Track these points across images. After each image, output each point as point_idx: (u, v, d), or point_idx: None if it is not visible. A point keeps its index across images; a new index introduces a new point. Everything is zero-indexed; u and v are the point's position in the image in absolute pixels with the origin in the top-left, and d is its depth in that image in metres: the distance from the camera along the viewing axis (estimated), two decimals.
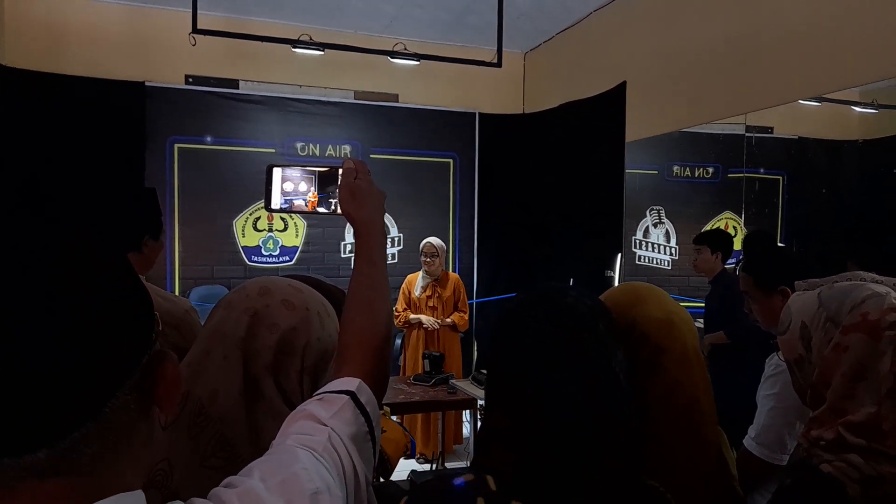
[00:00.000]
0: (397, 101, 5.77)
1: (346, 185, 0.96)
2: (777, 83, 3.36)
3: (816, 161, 3.61)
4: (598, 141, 4.90)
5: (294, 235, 5.42)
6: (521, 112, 6.15)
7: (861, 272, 0.99)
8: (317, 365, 0.96)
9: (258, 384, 0.91)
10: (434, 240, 4.61)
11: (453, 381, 3.90)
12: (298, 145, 5.40)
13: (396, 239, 5.63)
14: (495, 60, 4.60)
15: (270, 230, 5.35)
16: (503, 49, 4.60)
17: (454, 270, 5.71)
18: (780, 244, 3.56)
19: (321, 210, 1.04)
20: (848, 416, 0.85)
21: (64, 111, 4.64)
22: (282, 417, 0.80)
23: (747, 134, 3.69)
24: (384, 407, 0.91)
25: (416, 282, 4.64)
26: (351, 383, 0.80)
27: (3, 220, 0.50)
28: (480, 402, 3.60)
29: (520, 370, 0.82)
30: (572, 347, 0.80)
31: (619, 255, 4.68)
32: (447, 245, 5.58)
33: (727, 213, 4.06)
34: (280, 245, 5.38)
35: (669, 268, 4.55)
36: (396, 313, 4.59)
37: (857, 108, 3.21)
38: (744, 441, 1.70)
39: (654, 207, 4.62)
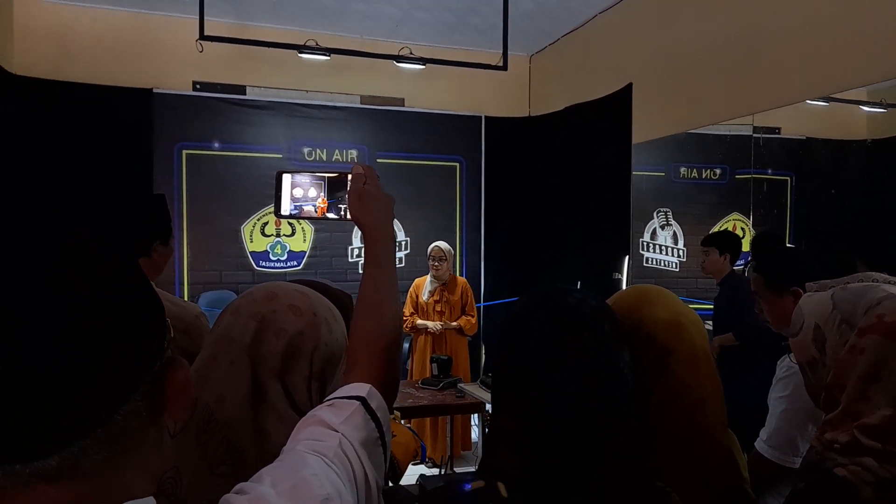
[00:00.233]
0: (403, 106, 5.78)
1: (355, 190, 0.96)
2: (784, 83, 3.34)
3: (824, 161, 3.59)
4: (604, 143, 4.89)
5: (302, 240, 5.44)
6: (527, 115, 6.15)
7: (873, 273, 0.99)
8: (324, 369, 0.96)
9: (265, 389, 0.91)
10: (442, 244, 4.61)
11: (461, 384, 3.89)
12: (305, 150, 5.42)
13: (403, 243, 5.63)
14: (501, 63, 4.60)
15: (278, 235, 5.36)
16: (508, 52, 4.60)
17: (461, 274, 5.70)
18: (789, 245, 3.54)
19: (331, 216, 1.05)
20: (863, 418, 0.84)
21: (73, 118, 4.68)
22: (289, 423, 0.80)
23: (754, 135, 3.68)
24: (394, 411, 0.91)
25: (424, 286, 4.64)
26: (361, 388, 0.80)
27: (17, 226, 0.50)
28: (488, 406, 3.59)
29: (523, 372, 0.82)
30: (574, 348, 0.80)
31: (627, 258, 4.67)
32: (454, 248, 5.58)
33: (735, 215, 4.04)
34: (288, 250, 5.40)
35: (677, 270, 4.53)
36: (404, 318, 4.59)
37: (866, 108, 3.19)
38: (755, 443, 1.68)
39: (662, 209, 4.60)
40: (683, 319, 0.96)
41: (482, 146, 5.93)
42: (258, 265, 5.30)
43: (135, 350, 0.50)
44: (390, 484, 1.58)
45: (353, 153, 5.53)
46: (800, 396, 1.45)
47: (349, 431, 0.74)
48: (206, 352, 0.94)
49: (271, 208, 1.09)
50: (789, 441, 1.63)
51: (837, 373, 0.90)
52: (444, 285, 4.59)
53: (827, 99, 3.21)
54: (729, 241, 3.55)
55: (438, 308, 4.57)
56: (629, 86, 4.59)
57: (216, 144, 5.17)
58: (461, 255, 5.87)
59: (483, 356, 5.72)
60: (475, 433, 4.76)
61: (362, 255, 1.00)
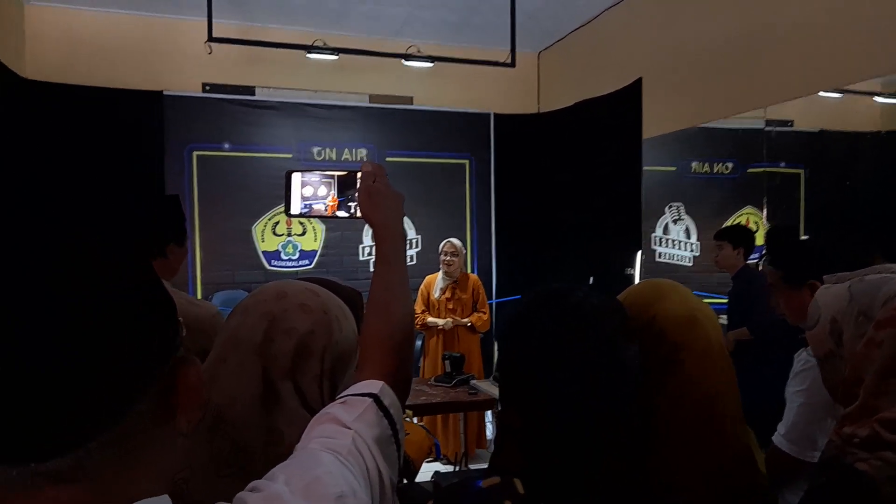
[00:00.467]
0: (412, 104, 5.78)
1: (365, 188, 0.96)
2: (796, 75, 3.31)
3: (838, 154, 3.55)
4: (614, 139, 4.86)
5: (313, 239, 5.45)
6: (535, 112, 6.13)
7: (891, 265, 0.97)
8: (335, 368, 0.95)
9: (276, 389, 0.91)
10: (454, 240, 4.62)
11: (474, 381, 3.89)
12: (315, 150, 5.43)
13: (414, 241, 5.64)
14: (509, 61, 4.59)
15: (289, 234, 5.38)
16: (517, 49, 4.58)
17: (472, 271, 5.70)
18: (804, 237, 3.50)
19: (341, 214, 1.05)
20: (882, 412, 0.83)
21: (84, 121, 4.72)
22: (300, 422, 0.80)
23: (767, 128, 3.64)
24: (407, 410, 0.91)
25: (435, 283, 4.64)
26: (374, 386, 0.80)
27: (27, 228, 0.50)
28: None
29: (527, 371, 0.81)
30: (576, 347, 0.79)
31: (639, 253, 4.64)
32: (465, 246, 5.58)
33: (748, 209, 4.00)
34: (299, 249, 5.41)
35: (690, 265, 4.50)
36: (416, 315, 4.59)
37: (880, 99, 3.15)
38: (773, 438, 1.67)
39: (673, 204, 4.57)
40: (698, 314, 0.95)
41: (491, 144, 5.92)
42: (270, 265, 5.32)
43: (144, 350, 0.49)
44: (404, 482, 1.58)
45: (363, 152, 5.54)
46: (817, 390, 1.43)
47: (362, 429, 0.74)
48: (216, 352, 0.94)
49: (282, 208, 1.09)
50: (807, 435, 1.61)
51: (855, 366, 0.89)
52: (456, 283, 4.59)
53: (840, 90, 3.17)
54: (742, 235, 3.53)
55: (450, 305, 4.56)
56: (638, 81, 4.56)
57: (226, 145, 5.19)
58: (472, 253, 5.87)
59: (495, 353, 5.71)
60: (490, 431, 4.75)
61: (373, 253, 0.99)
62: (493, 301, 5.73)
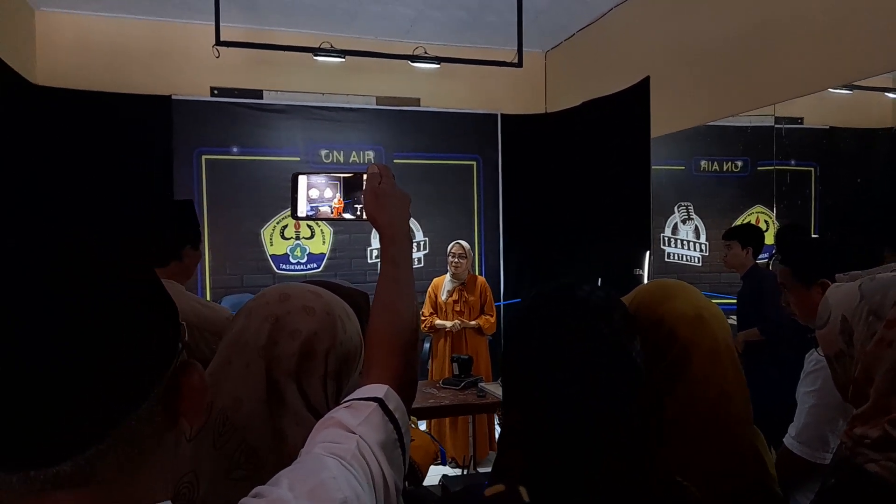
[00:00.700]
0: (419, 105, 5.78)
1: (371, 189, 0.95)
2: (806, 72, 3.28)
3: (849, 150, 3.52)
4: (622, 138, 4.84)
5: (321, 242, 5.46)
6: (543, 111, 6.11)
7: None
8: (340, 369, 0.95)
9: (281, 391, 0.91)
10: (463, 242, 4.61)
11: (482, 384, 3.88)
12: (323, 152, 5.45)
13: (422, 243, 5.64)
14: (516, 60, 4.58)
15: (298, 238, 5.39)
16: (523, 49, 4.57)
17: (480, 272, 5.69)
18: (815, 235, 3.47)
19: (347, 216, 1.04)
20: (894, 413, 0.82)
21: (94, 126, 4.76)
22: (306, 424, 0.80)
23: (776, 125, 3.61)
24: (410, 416, 0.90)
25: (443, 286, 4.63)
26: (379, 390, 0.80)
27: (34, 232, 0.50)
28: None
29: (528, 371, 0.81)
30: (577, 346, 0.79)
31: (648, 253, 4.62)
32: (473, 247, 5.57)
33: (758, 207, 3.97)
34: (307, 252, 5.43)
35: (700, 264, 4.47)
36: (423, 318, 4.58)
37: (891, 95, 3.12)
38: (784, 440, 1.65)
39: (683, 203, 4.55)
40: (706, 314, 0.94)
41: (499, 144, 5.91)
42: (278, 268, 5.34)
43: (147, 354, 0.49)
44: (410, 486, 1.57)
45: (370, 154, 5.55)
46: (829, 391, 1.42)
47: (367, 433, 0.73)
48: (221, 355, 0.94)
49: (289, 211, 1.09)
50: (819, 437, 1.59)
51: (865, 366, 0.87)
52: (463, 285, 4.58)
53: (850, 87, 3.14)
54: (751, 234, 3.50)
55: (457, 308, 4.55)
56: (646, 79, 4.54)
57: (234, 149, 5.21)
58: (480, 254, 5.86)
59: None
60: (499, 434, 4.74)
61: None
62: (501, 303, 5.72)
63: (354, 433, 0.73)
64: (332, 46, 4.79)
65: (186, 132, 5.07)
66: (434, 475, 3.39)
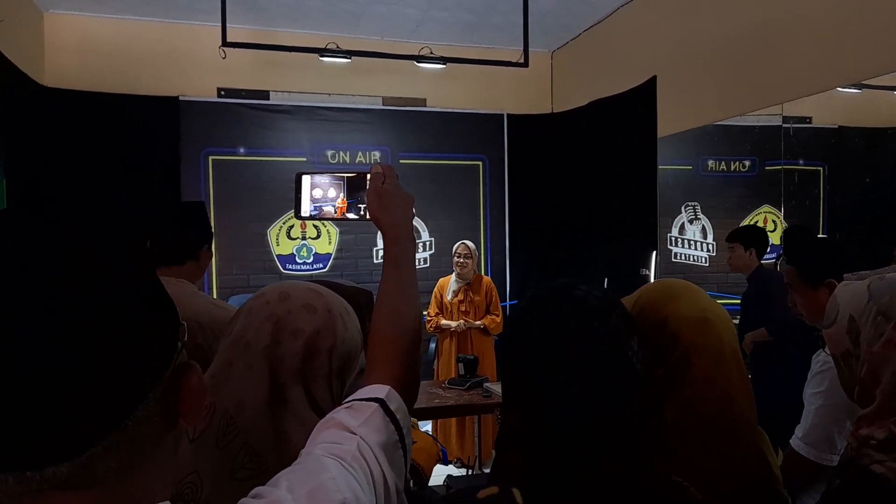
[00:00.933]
0: (425, 106, 5.78)
1: (374, 189, 0.95)
2: (814, 71, 3.25)
3: (858, 150, 3.49)
4: (629, 137, 4.82)
5: (327, 242, 5.47)
6: (549, 112, 6.10)
7: None
8: (343, 367, 0.95)
9: (285, 392, 0.90)
10: (468, 242, 4.61)
11: (488, 384, 3.87)
12: (329, 153, 5.46)
13: (428, 243, 5.64)
14: (522, 60, 4.57)
15: (304, 238, 5.40)
16: (529, 49, 4.56)
17: (486, 272, 5.68)
18: (823, 236, 3.45)
19: (350, 216, 1.04)
20: None
21: (101, 128, 4.79)
22: (310, 424, 0.80)
23: (784, 125, 3.59)
24: (412, 418, 0.90)
25: (448, 286, 4.63)
26: (380, 390, 0.80)
27: (34, 232, 0.50)
28: None
29: (527, 371, 0.80)
30: (577, 346, 0.78)
31: (655, 253, 4.60)
32: (479, 248, 5.56)
33: (766, 207, 3.95)
34: (314, 252, 5.44)
35: (707, 265, 4.45)
36: (428, 318, 4.58)
37: None
38: (791, 441, 1.64)
39: (690, 203, 4.53)
40: (710, 315, 0.93)
41: (505, 144, 5.90)
42: (285, 268, 5.35)
43: (145, 355, 0.49)
44: (413, 486, 1.57)
45: (376, 155, 5.55)
46: (836, 392, 1.40)
47: (368, 434, 0.73)
48: (222, 357, 0.93)
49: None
50: (826, 438, 1.58)
51: (872, 367, 0.86)
52: (469, 285, 4.58)
53: (859, 86, 3.11)
54: (753, 235, 3.49)
55: (463, 308, 4.55)
56: (653, 79, 4.52)
57: (241, 150, 5.23)
58: (486, 254, 5.85)
59: None
60: None
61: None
62: (507, 303, 5.71)
63: (355, 434, 0.72)
64: (337, 47, 4.80)
65: (193, 133, 5.09)
66: (439, 475, 3.38)
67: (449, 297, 4.58)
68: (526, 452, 0.76)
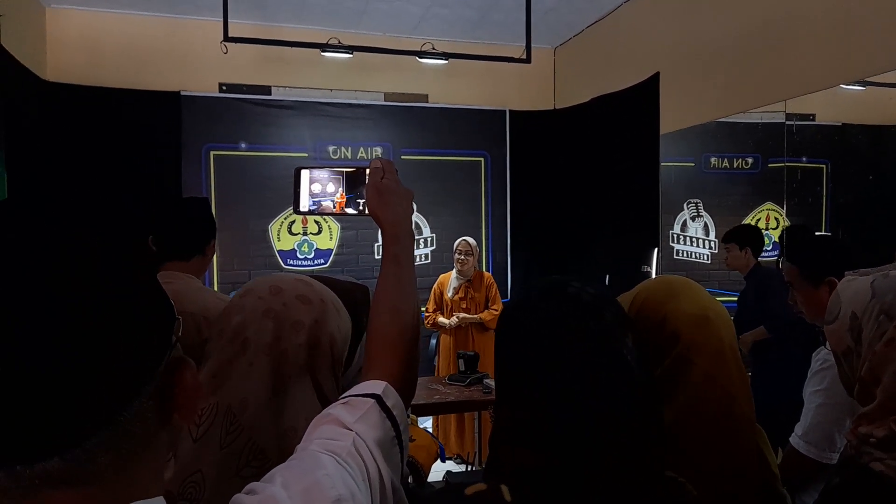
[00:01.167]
0: (427, 102, 5.77)
1: (373, 184, 0.95)
2: (817, 68, 3.24)
3: (862, 147, 3.48)
4: (631, 134, 4.81)
5: (328, 238, 5.47)
6: (551, 108, 6.08)
7: None
8: (342, 355, 0.95)
9: (291, 386, 0.90)
10: (469, 239, 4.60)
11: (488, 380, 3.87)
12: (330, 149, 5.45)
13: (429, 239, 5.63)
14: (524, 57, 4.56)
15: (305, 234, 5.40)
16: (532, 45, 4.55)
17: (487, 269, 5.68)
18: (825, 233, 3.44)
19: (349, 211, 1.04)
20: None
21: (103, 122, 4.79)
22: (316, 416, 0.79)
23: (787, 122, 3.57)
24: (410, 415, 0.89)
25: (449, 283, 4.62)
26: (377, 386, 0.79)
27: (27, 228, 0.50)
28: None
29: (517, 368, 0.80)
30: (576, 345, 0.77)
31: (656, 250, 4.59)
32: (480, 244, 5.56)
33: (768, 205, 3.94)
34: (315, 248, 5.43)
35: (709, 262, 4.44)
36: (426, 314, 4.58)
37: None
38: (790, 439, 1.63)
39: (692, 200, 4.51)
40: (710, 313, 0.93)
41: (507, 140, 5.89)
42: (286, 264, 5.35)
43: (138, 350, 0.49)
44: (412, 483, 1.57)
45: (378, 151, 5.54)
46: (837, 390, 1.40)
47: (363, 430, 0.73)
48: (220, 355, 0.92)
49: None
50: (826, 436, 1.58)
51: (873, 365, 0.86)
52: (469, 282, 4.57)
53: (863, 83, 3.10)
54: (747, 235, 3.53)
55: (464, 305, 4.55)
56: (656, 75, 4.51)
57: (242, 145, 5.22)
58: (487, 251, 5.85)
59: None
60: None
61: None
62: (508, 300, 5.71)
63: (351, 430, 0.72)
64: (339, 43, 4.79)
65: (195, 128, 5.09)
66: (438, 472, 3.39)
67: (450, 294, 4.58)
68: (517, 450, 0.75)
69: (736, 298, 3.64)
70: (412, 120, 5.63)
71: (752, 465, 0.88)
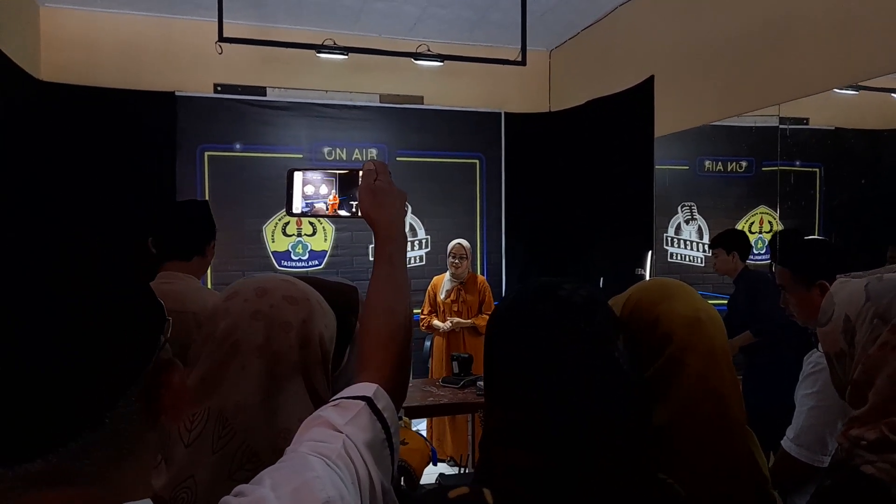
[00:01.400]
0: (422, 103, 5.77)
1: (367, 186, 0.95)
2: (811, 72, 3.26)
3: (855, 152, 3.49)
4: (626, 137, 4.82)
5: (323, 240, 5.46)
6: (547, 110, 6.09)
7: None
8: (329, 353, 0.94)
9: (284, 388, 0.89)
10: (463, 241, 4.59)
11: (481, 382, 3.87)
12: (325, 150, 5.44)
13: (424, 241, 5.63)
14: (520, 59, 4.57)
15: (299, 235, 5.39)
16: (528, 47, 4.56)
17: (482, 271, 5.68)
18: (817, 237, 3.46)
19: (342, 213, 1.04)
20: (892, 416, 0.80)
21: (97, 123, 4.76)
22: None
23: (781, 126, 3.59)
24: (403, 417, 0.89)
25: (442, 285, 4.62)
26: (368, 388, 0.79)
27: (16, 231, 0.50)
28: None
29: (508, 370, 0.79)
30: (571, 348, 0.77)
31: (651, 253, 4.60)
32: (475, 246, 5.56)
33: (762, 208, 3.95)
34: (309, 249, 5.42)
35: (703, 265, 4.45)
36: (422, 316, 4.58)
37: None
38: (782, 442, 1.64)
39: (686, 203, 4.53)
40: (703, 315, 0.93)
41: (502, 142, 5.89)
42: (280, 265, 5.34)
43: (124, 351, 0.48)
44: (403, 485, 1.57)
45: (373, 152, 5.54)
46: (828, 393, 1.40)
47: (354, 432, 0.72)
48: (211, 359, 0.91)
49: None
50: (818, 439, 1.58)
51: (867, 369, 0.86)
52: (462, 284, 4.57)
53: (856, 87, 3.11)
54: (733, 239, 3.57)
55: (455, 308, 4.55)
56: (651, 78, 4.52)
57: (237, 146, 5.21)
58: (482, 253, 5.85)
59: None
60: None
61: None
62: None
63: (341, 433, 0.71)
64: (335, 44, 4.79)
65: (189, 129, 5.07)
66: (432, 474, 3.38)
67: (442, 297, 4.57)
68: (512, 450, 0.75)
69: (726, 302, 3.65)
70: (408, 121, 5.63)
71: (742, 467, 0.88)
